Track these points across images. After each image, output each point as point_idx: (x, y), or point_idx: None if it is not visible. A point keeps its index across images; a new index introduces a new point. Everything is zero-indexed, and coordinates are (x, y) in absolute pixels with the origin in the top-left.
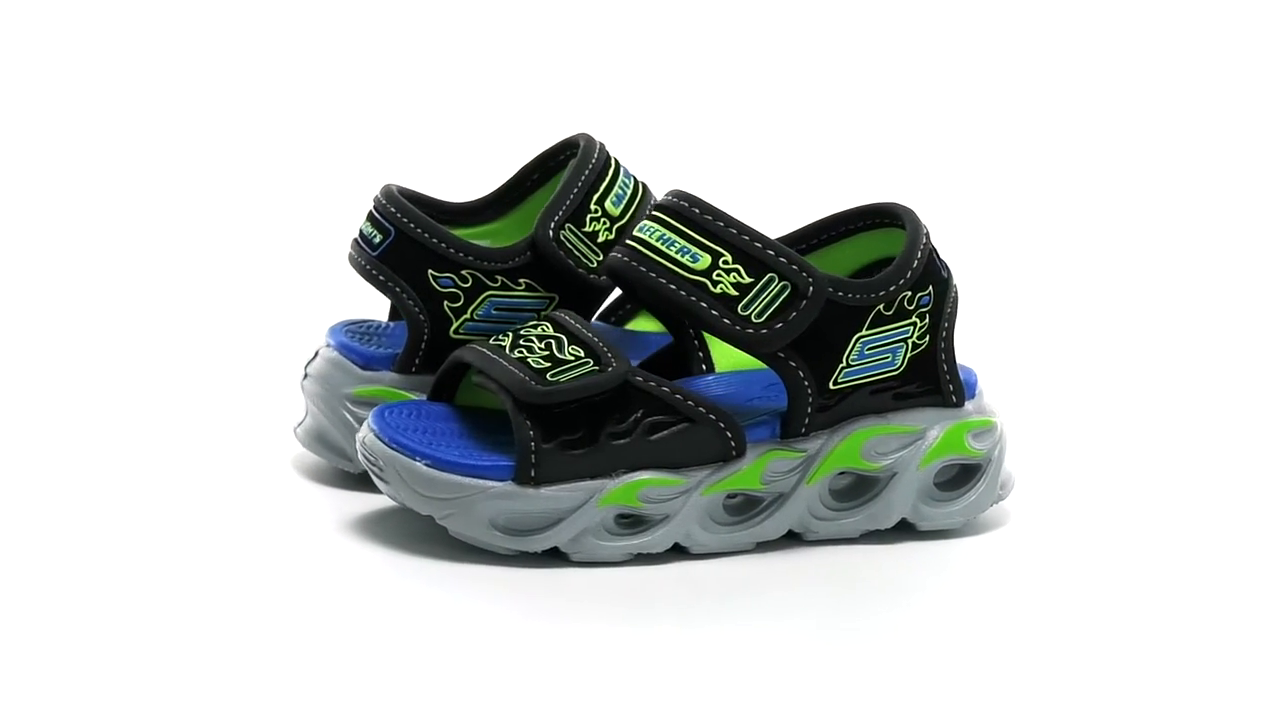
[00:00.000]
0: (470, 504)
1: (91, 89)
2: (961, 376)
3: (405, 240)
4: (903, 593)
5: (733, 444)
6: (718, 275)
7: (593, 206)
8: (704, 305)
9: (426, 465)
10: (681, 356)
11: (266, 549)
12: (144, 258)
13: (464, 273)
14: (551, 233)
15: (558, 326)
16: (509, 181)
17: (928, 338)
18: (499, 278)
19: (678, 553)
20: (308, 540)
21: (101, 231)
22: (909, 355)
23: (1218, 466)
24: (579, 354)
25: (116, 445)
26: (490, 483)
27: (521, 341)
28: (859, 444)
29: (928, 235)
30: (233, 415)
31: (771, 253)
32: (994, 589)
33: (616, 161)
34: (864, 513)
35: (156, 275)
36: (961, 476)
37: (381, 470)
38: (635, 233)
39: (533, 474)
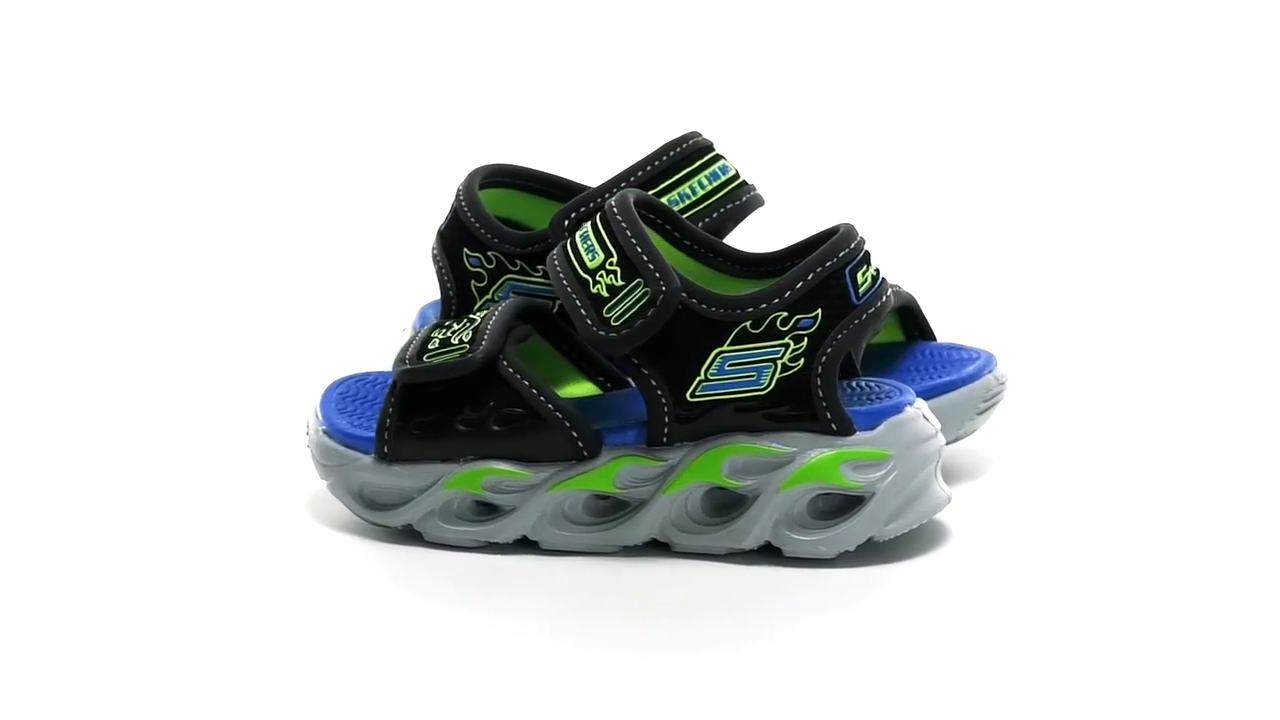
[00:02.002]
0: (343, 473)
1: (203, 80)
2: (889, 402)
3: (454, 218)
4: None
5: (580, 444)
6: (600, 275)
7: None
8: (577, 303)
9: (323, 432)
10: None
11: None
12: (299, 241)
13: (490, 254)
14: (569, 222)
15: (487, 312)
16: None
17: (801, 361)
18: (518, 262)
19: (531, 546)
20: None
21: (250, 207)
22: (777, 376)
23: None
24: (465, 339)
25: (216, 409)
26: (359, 455)
27: (454, 324)
28: (720, 460)
29: (846, 260)
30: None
31: (645, 257)
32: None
33: (711, 160)
34: (725, 530)
35: (312, 255)
36: (848, 506)
37: (306, 435)
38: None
39: (385, 450)
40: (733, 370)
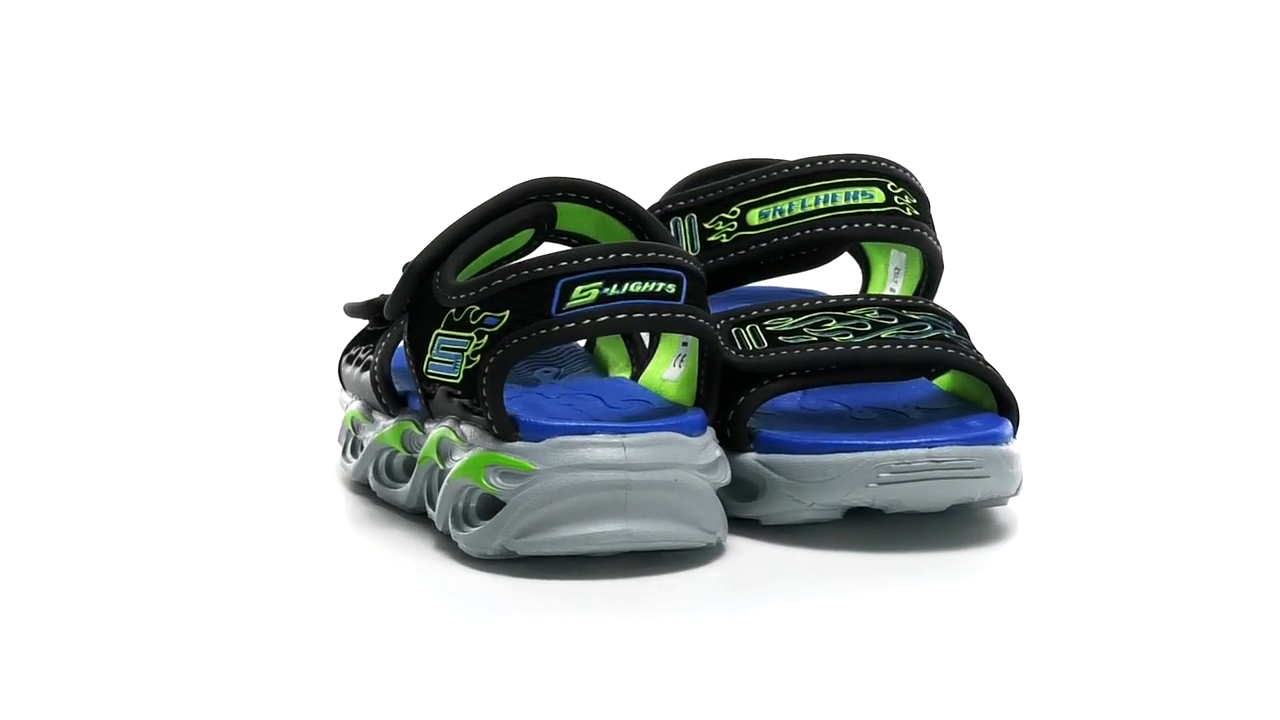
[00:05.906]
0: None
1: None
2: (582, 424)
3: None
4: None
5: (384, 402)
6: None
7: (733, 208)
8: None
9: None
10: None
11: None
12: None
13: None
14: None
15: None
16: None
17: (479, 357)
18: None
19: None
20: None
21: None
22: (464, 368)
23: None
24: None
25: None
26: None
27: None
28: (438, 440)
29: (563, 271)
30: None
31: (452, 230)
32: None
33: (856, 182)
34: (435, 512)
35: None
36: None
37: None
38: None
39: (340, 375)
40: (443, 355)
